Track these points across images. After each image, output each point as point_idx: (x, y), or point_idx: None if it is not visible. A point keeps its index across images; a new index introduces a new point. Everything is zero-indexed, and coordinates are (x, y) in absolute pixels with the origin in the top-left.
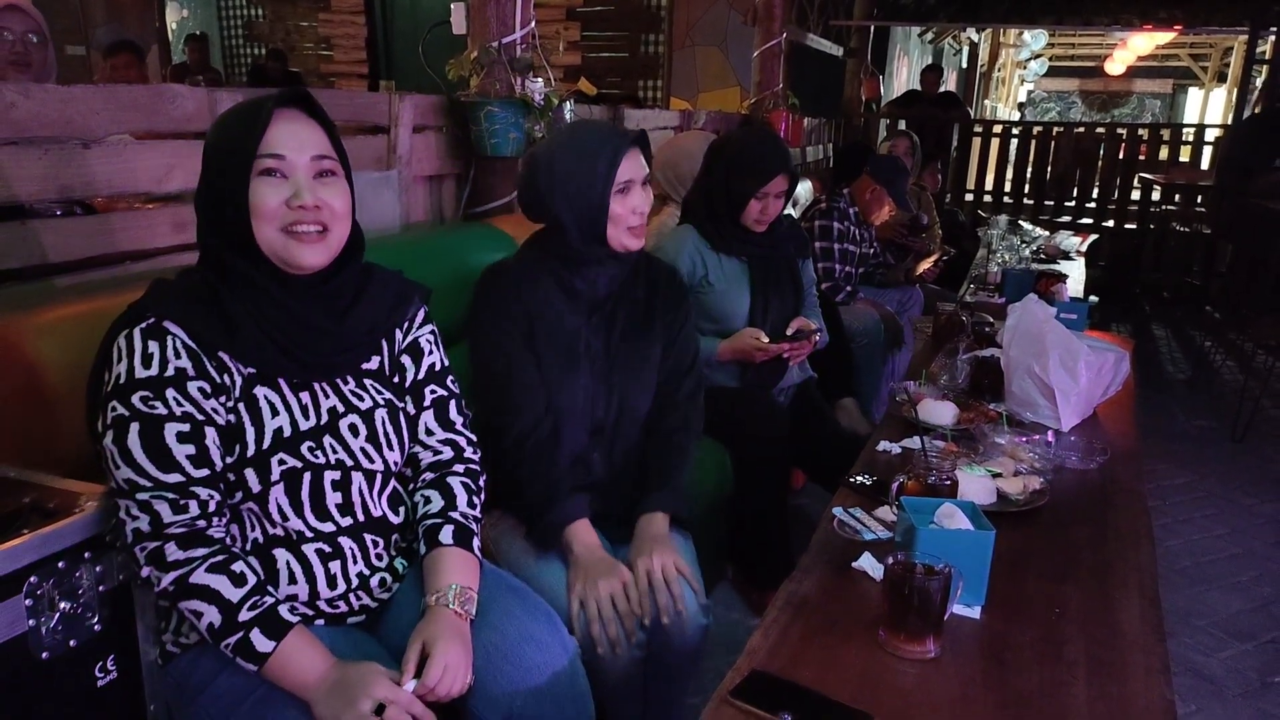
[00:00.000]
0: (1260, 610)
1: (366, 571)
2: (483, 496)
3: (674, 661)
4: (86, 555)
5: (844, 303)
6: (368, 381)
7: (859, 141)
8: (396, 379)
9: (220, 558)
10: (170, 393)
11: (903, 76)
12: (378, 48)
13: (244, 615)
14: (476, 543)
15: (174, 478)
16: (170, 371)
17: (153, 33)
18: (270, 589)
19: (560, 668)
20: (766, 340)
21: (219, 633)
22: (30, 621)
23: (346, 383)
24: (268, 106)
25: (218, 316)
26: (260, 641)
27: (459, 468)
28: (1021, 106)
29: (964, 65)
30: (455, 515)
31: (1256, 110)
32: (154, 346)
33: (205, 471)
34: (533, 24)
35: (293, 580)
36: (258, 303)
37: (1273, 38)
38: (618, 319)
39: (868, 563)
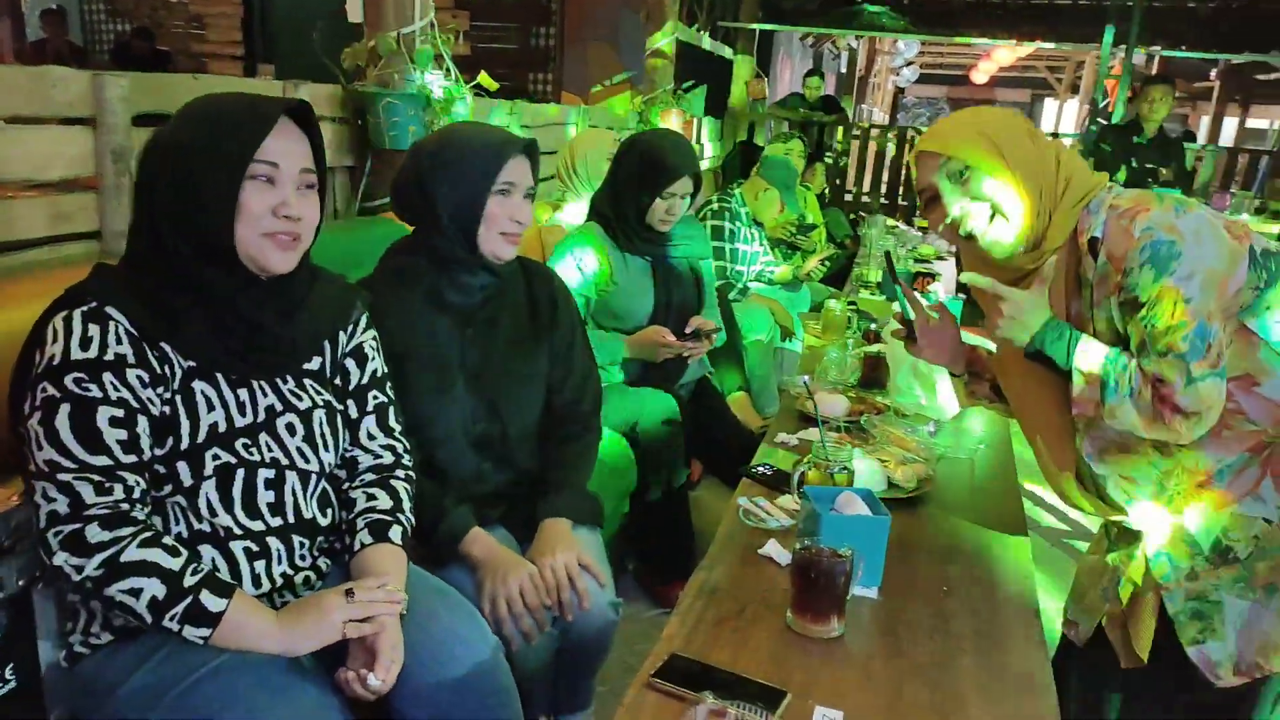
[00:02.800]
0: None
1: (291, 571)
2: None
3: (583, 655)
4: None
5: (737, 300)
6: (307, 382)
7: (748, 141)
8: (338, 381)
9: (149, 533)
10: (108, 376)
11: (785, 79)
12: (254, 28)
13: (189, 580)
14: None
15: (101, 460)
16: (110, 356)
17: (4, 6)
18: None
19: (484, 661)
20: (672, 338)
21: (163, 604)
22: None
23: (286, 382)
24: (273, 114)
25: (162, 307)
26: (212, 601)
27: (400, 473)
28: (894, 110)
29: (842, 70)
30: (402, 517)
31: (1104, 122)
32: (94, 330)
33: (133, 458)
34: (432, 15)
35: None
36: (203, 297)
37: (1122, 54)
38: (498, 330)
39: (773, 549)
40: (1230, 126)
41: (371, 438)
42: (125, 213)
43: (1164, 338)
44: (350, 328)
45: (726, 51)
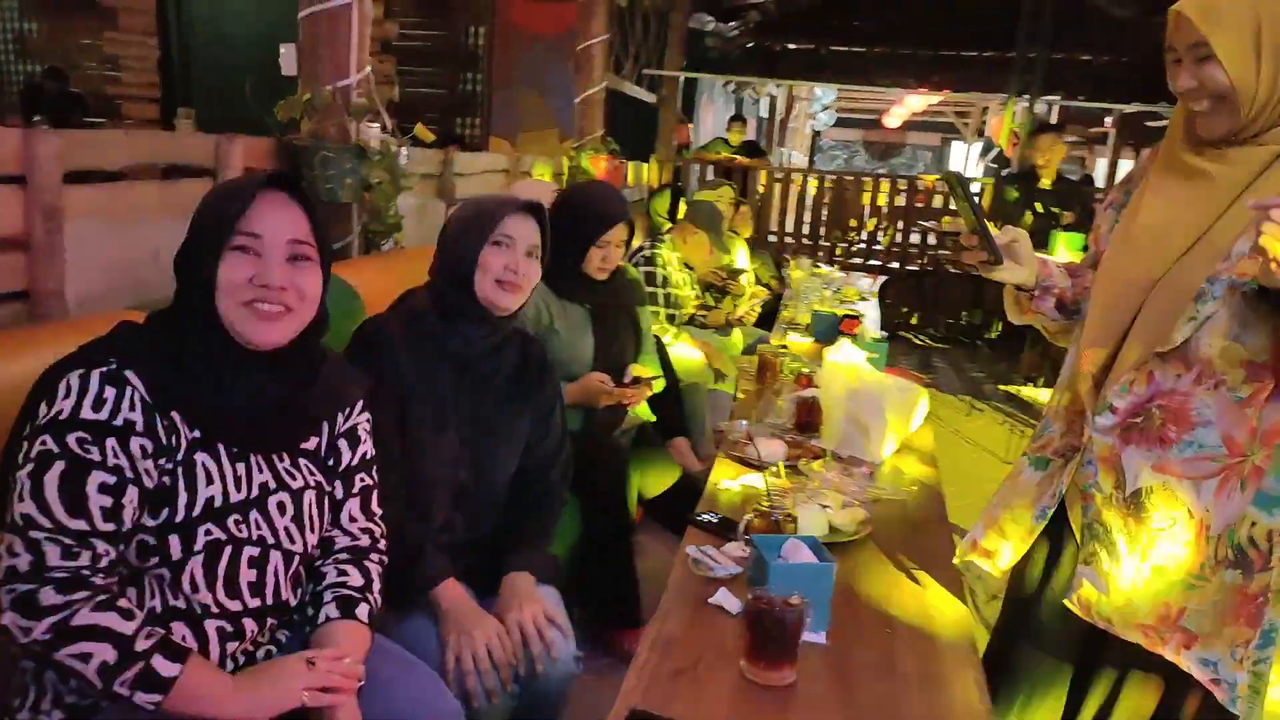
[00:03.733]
0: None
1: (251, 648)
2: None
3: (545, 707)
4: None
5: (671, 343)
6: (302, 461)
7: (675, 185)
8: (330, 462)
9: (104, 597)
10: (110, 442)
11: (708, 123)
12: (172, 70)
13: (141, 645)
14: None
15: (78, 524)
16: (119, 421)
17: None
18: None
19: None
20: (611, 385)
21: (113, 669)
22: None
23: (282, 460)
24: (251, 187)
25: (177, 373)
26: (164, 666)
27: (374, 555)
28: (812, 152)
29: (763, 115)
30: (370, 597)
31: (1012, 169)
32: (110, 393)
33: (111, 526)
34: (368, 69)
35: None
36: (218, 368)
37: (1025, 104)
38: (490, 385)
39: (724, 598)
40: (1126, 167)
41: (352, 520)
42: (57, 273)
43: None
44: (348, 409)
45: (652, 97)
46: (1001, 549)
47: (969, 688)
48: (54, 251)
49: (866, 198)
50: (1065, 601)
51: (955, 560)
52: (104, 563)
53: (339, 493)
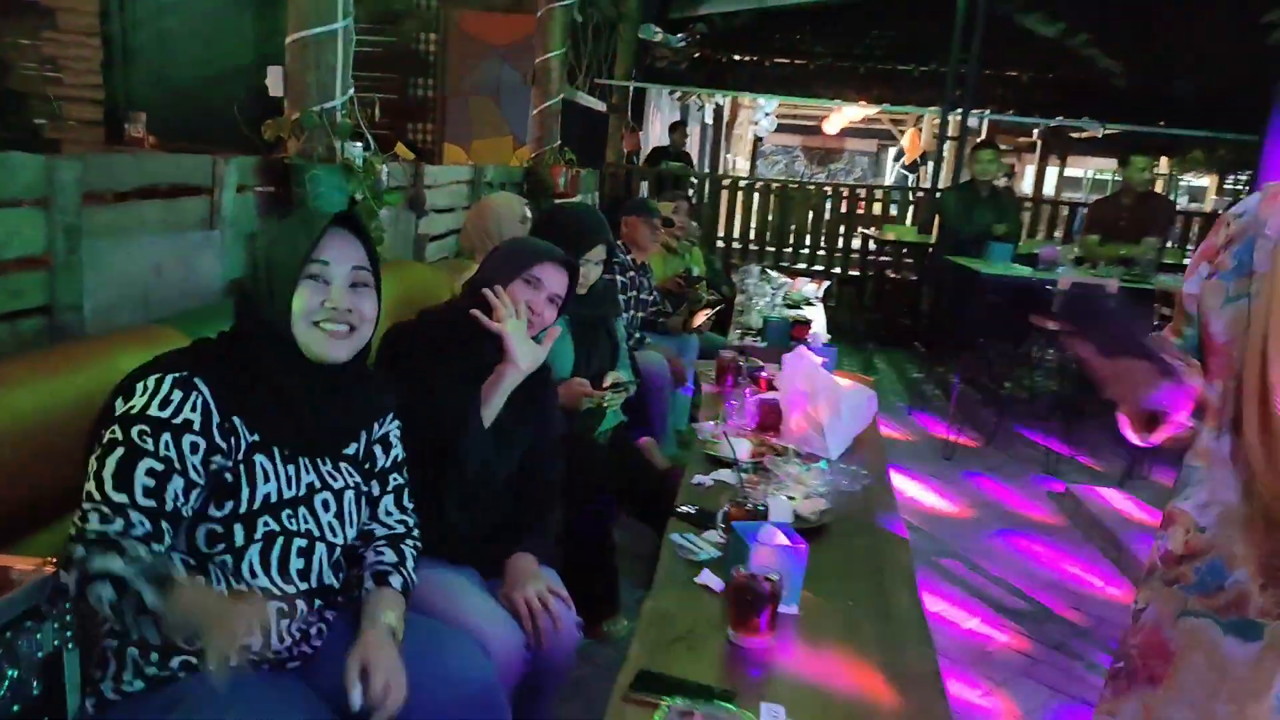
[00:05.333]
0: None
1: (306, 626)
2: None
3: (551, 672)
4: (28, 625)
5: (636, 348)
6: (343, 464)
7: (616, 198)
8: (368, 465)
9: (119, 546)
10: (165, 436)
11: (656, 130)
12: (115, 71)
13: (135, 580)
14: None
15: (120, 498)
16: (179, 420)
17: None
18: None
19: (481, 686)
20: (590, 389)
21: (117, 606)
22: None
23: (325, 464)
24: (321, 224)
25: (240, 384)
26: (151, 598)
27: (409, 541)
28: (754, 158)
29: (708, 121)
30: (404, 570)
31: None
32: (177, 395)
33: (151, 503)
34: (351, 91)
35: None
36: (273, 380)
37: (957, 118)
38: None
39: (708, 577)
40: (1053, 174)
41: (389, 514)
42: (76, 289)
43: None
44: (382, 419)
45: (602, 106)
46: None
47: (919, 647)
48: (73, 269)
49: (812, 205)
50: None
51: None
52: (138, 531)
53: (375, 490)
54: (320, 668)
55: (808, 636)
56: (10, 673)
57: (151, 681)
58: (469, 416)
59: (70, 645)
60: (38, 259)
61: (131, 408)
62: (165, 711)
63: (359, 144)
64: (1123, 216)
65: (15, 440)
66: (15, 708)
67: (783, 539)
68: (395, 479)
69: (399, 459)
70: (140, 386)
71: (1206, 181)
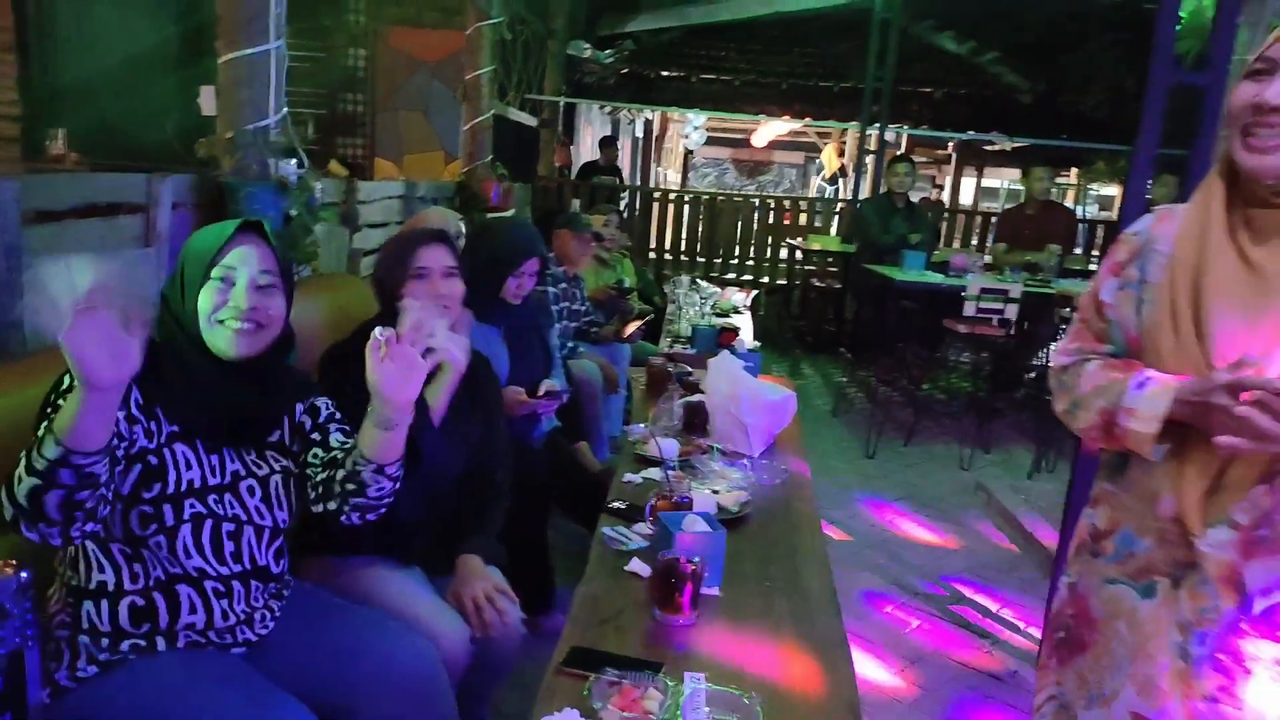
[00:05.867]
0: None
1: (248, 609)
2: None
3: (500, 664)
4: None
5: (569, 357)
6: (268, 452)
7: (548, 211)
8: (295, 447)
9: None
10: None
11: (587, 144)
12: (35, 87)
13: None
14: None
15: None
16: None
17: None
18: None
19: (427, 675)
20: (525, 397)
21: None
22: None
23: (249, 453)
24: (228, 231)
25: (164, 379)
26: (51, 449)
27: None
28: (685, 170)
29: (639, 135)
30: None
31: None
32: None
33: None
34: (285, 110)
35: (193, 610)
36: (191, 376)
37: (875, 132)
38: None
39: (637, 565)
40: (969, 184)
41: (341, 443)
42: (14, 305)
43: None
44: (304, 401)
45: (533, 120)
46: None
47: (830, 623)
48: (14, 288)
49: (740, 216)
50: None
51: None
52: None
53: (316, 436)
54: (270, 653)
55: (728, 614)
56: None
57: (104, 666)
58: (416, 419)
59: (30, 642)
60: None
61: (60, 383)
62: (118, 692)
63: (293, 161)
64: (1027, 225)
65: None
66: None
67: (705, 526)
68: (338, 422)
69: (335, 416)
70: (68, 377)
71: (1114, 190)
